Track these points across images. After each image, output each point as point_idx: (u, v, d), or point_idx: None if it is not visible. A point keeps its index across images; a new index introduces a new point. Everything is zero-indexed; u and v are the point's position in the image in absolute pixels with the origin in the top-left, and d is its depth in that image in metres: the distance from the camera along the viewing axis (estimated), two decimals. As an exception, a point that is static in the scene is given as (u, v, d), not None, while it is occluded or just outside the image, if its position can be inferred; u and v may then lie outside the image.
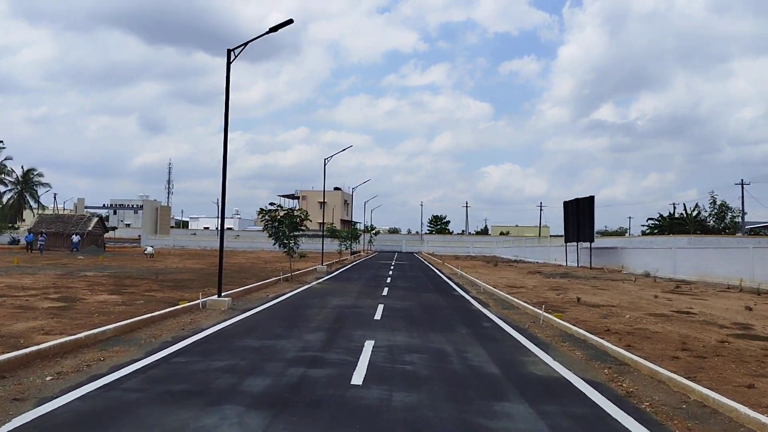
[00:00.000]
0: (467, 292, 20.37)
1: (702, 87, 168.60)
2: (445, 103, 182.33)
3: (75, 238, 47.02)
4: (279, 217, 21.77)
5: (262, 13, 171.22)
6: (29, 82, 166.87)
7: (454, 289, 21.59)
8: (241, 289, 17.25)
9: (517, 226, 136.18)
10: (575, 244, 45.18)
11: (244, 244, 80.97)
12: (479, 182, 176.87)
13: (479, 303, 16.86)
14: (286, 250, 22.24)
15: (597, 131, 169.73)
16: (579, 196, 44.00)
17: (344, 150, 46.00)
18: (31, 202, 77.71)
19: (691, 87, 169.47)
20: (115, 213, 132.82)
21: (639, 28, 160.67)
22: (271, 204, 21.98)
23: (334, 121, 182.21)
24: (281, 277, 21.66)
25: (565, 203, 46.43)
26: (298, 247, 22.73)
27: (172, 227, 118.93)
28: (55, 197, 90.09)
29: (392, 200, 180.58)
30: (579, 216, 43.04)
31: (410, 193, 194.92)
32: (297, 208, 22.28)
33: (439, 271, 35.73)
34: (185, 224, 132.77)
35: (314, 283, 22.01)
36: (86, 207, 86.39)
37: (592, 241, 40.99)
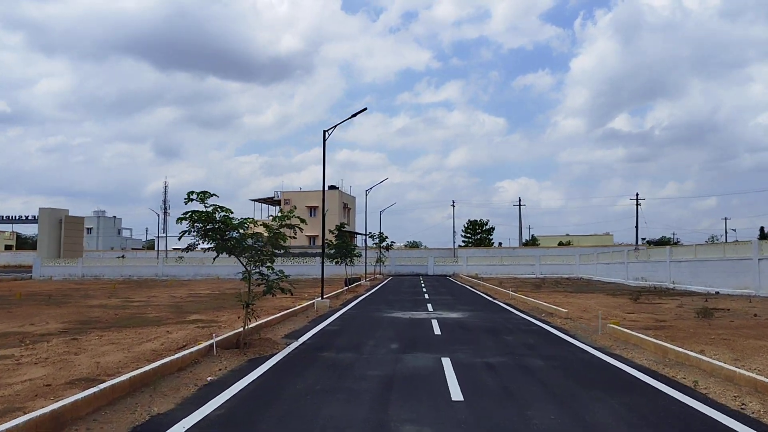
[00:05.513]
0: None
1: (719, 93, 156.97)
2: (459, 118, 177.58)
3: None
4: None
5: (275, 37, 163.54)
6: (46, 113, 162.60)
7: None
8: None
9: (567, 235, 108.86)
10: None
11: (191, 270, 53.47)
12: (495, 197, 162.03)
13: None
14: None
15: (612, 141, 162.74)
16: None
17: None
18: None
19: (707, 94, 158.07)
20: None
21: (652, 37, 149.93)
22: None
23: (348, 140, 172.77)
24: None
25: None
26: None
27: (124, 248, 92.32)
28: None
29: (408, 217, 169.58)
30: None
31: (425, 210, 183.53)
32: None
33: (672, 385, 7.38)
34: (150, 245, 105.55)
35: None
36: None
37: None
